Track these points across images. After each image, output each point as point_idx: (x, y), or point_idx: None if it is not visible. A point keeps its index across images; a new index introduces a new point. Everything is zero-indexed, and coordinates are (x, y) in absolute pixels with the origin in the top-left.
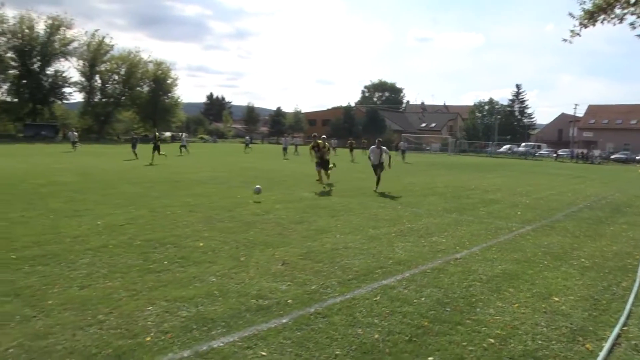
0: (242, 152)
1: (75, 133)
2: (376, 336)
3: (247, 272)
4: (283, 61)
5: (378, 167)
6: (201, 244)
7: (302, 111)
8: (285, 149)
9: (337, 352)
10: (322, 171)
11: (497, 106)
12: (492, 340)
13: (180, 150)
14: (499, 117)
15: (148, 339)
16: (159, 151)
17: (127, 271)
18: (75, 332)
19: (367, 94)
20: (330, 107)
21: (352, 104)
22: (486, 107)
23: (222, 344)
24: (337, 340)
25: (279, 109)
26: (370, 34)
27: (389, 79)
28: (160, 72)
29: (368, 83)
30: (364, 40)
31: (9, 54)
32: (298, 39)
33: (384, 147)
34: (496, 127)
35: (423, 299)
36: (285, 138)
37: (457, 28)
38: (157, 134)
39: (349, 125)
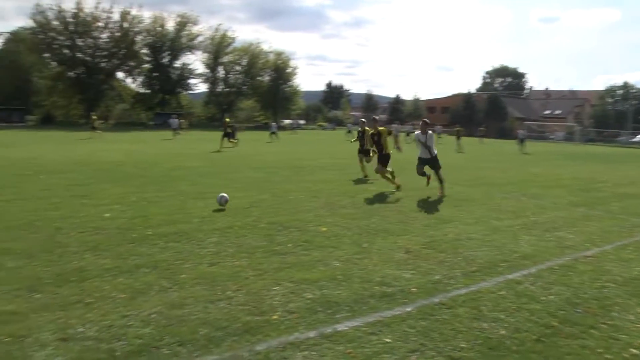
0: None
1: (177, 120)
2: (502, 332)
3: (370, 259)
4: (401, 48)
5: (431, 164)
6: (324, 229)
7: (421, 98)
8: (395, 137)
9: (462, 345)
10: (384, 169)
11: (632, 90)
12: (635, 351)
13: (271, 137)
14: (634, 102)
15: (275, 317)
16: (228, 138)
17: (252, 251)
18: (207, 305)
19: (487, 80)
20: (449, 94)
21: (473, 91)
22: (619, 92)
23: (346, 328)
24: (462, 332)
25: (397, 96)
26: (490, 17)
27: (510, 63)
28: (280, 61)
29: (489, 68)
30: (484, 24)
31: (144, 50)
32: (416, 25)
33: (430, 132)
34: (630, 113)
35: (551, 297)
36: (396, 125)
37: (587, 4)
38: (227, 120)
39: (469, 112)
